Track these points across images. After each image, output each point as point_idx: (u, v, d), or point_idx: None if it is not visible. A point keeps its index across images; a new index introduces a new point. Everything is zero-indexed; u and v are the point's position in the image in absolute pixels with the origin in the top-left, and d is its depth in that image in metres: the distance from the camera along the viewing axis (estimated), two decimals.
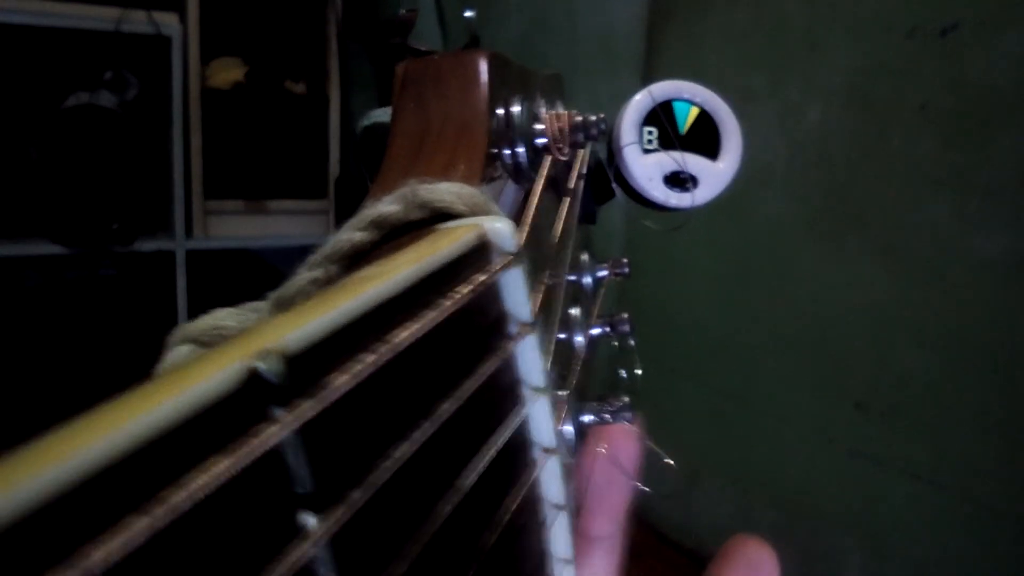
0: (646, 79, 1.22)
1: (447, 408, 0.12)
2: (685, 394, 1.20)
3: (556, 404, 0.20)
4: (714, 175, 0.31)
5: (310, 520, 0.09)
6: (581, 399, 0.23)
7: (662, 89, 0.31)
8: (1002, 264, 0.75)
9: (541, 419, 0.17)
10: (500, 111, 0.22)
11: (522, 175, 0.23)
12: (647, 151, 0.30)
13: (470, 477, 0.13)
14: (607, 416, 0.23)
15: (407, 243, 0.14)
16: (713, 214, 1.20)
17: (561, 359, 0.23)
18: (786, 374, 1.01)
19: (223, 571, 0.08)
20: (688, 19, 1.16)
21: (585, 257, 0.30)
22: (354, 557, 0.10)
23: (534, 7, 1.55)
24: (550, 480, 0.17)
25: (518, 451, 0.16)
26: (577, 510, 0.21)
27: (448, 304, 0.13)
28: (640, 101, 0.30)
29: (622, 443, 0.22)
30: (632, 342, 0.28)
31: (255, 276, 2.07)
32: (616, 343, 0.28)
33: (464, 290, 0.13)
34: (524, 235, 0.18)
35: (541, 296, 0.20)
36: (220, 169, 1.86)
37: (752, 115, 1.03)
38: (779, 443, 1.02)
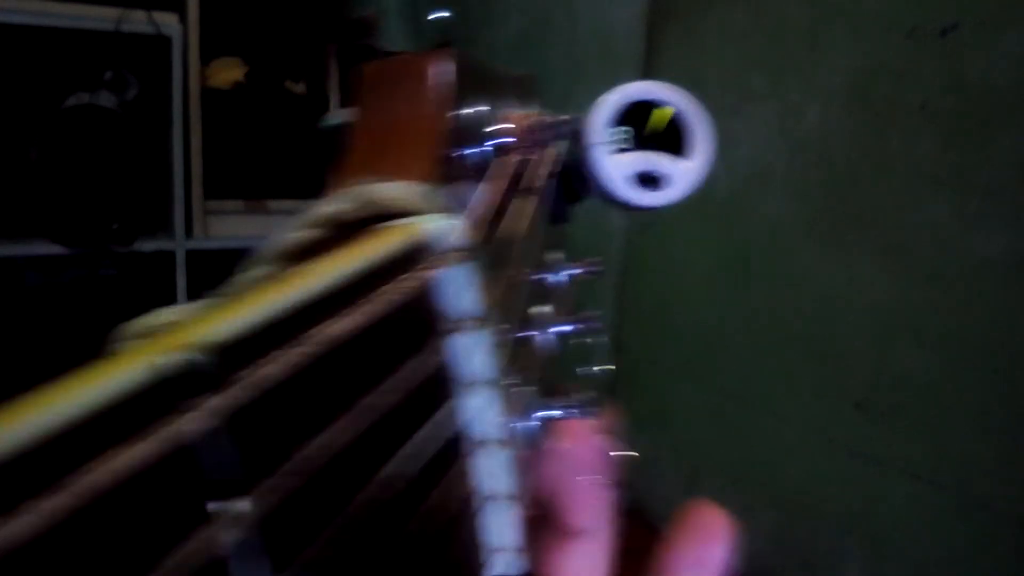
0: (646, 79, 1.22)
1: (372, 400, 0.13)
2: (685, 394, 1.20)
3: (512, 398, 0.20)
4: (683, 175, 0.31)
5: (221, 505, 0.09)
6: (550, 394, 0.24)
7: (631, 90, 0.31)
8: (1002, 264, 0.75)
9: (477, 412, 0.17)
10: (461, 112, 0.23)
11: (482, 174, 0.23)
12: (616, 151, 0.31)
13: (394, 467, 0.13)
14: (573, 411, 0.23)
15: (351, 241, 0.14)
16: (713, 214, 1.20)
17: (522, 355, 0.23)
18: (786, 374, 1.01)
19: (135, 552, 0.08)
20: (688, 19, 1.16)
21: (556, 256, 0.30)
22: (272, 541, 0.10)
23: (534, 7, 1.55)
24: (484, 471, 0.17)
25: (451, 442, 0.16)
26: (547, 505, 0.22)
27: (379, 300, 0.13)
28: (609, 101, 0.31)
29: (582, 437, 0.22)
30: (603, 339, 0.28)
31: None
32: (587, 340, 0.28)
33: (397, 287, 0.14)
34: (476, 233, 0.19)
35: (498, 293, 0.20)
36: (220, 169, 1.86)
37: (752, 115, 1.03)
38: (779, 443, 1.02)
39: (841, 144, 0.92)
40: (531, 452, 0.22)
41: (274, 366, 0.10)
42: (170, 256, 1.83)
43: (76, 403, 0.08)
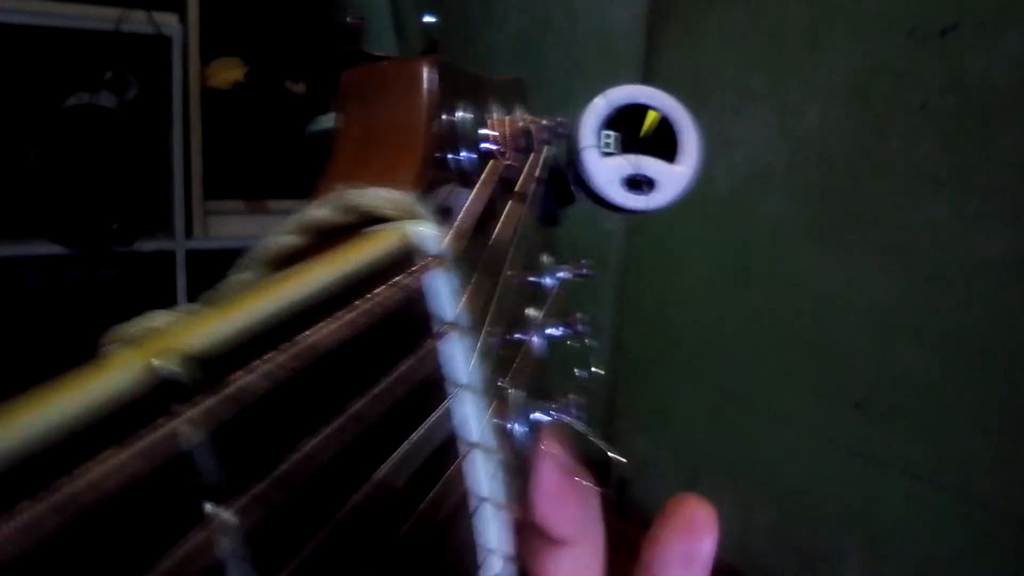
0: (646, 79, 1.22)
1: (361, 405, 0.13)
2: (685, 394, 1.20)
3: (500, 402, 0.20)
4: (672, 178, 0.31)
5: (213, 510, 0.09)
6: (538, 397, 0.24)
7: (620, 94, 0.31)
8: (1002, 264, 0.75)
9: (468, 415, 0.17)
10: (445, 117, 0.23)
11: (469, 179, 0.23)
12: (606, 154, 0.31)
13: (386, 470, 0.13)
14: (559, 414, 0.23)
15: (336, 247, 0.14)
16: (713, 214, 1.20)
17: (512, 358, 0.23)
18: (786, 374, 1.01)
19: (121, 559, 0.08)
20: (688, 19, 1.16)
21: (546, 259, 0.30)
22: (262, 546, 0.10)
23: (534, 7, 1.55)
24: (477, 474, 0.18)
25: (443, 446, 0.16)
26: (534, 508, 0.22)
27: (365, 306, 0.13)
28: (599, 105, 0.31)
29: (553, 442, 0.23)
30: (589, 342, 0.28)
31: None
32: (575, 343, 0.28)
33: (382, 292, 0.14)
34: (460, 238, 0.19)
35: (481, 296, 0.20)
36: (220, 169, 1.86)
37: (752, 115, 1.03)
38: (779, 443, 1.02)
39: (841, 144, 0.92)
40: (521, 456, 0.22)
41: (259, 373, 0.10)
42: (170, 256, 1.83)
43: (64, 409, 0.08)
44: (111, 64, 1.73)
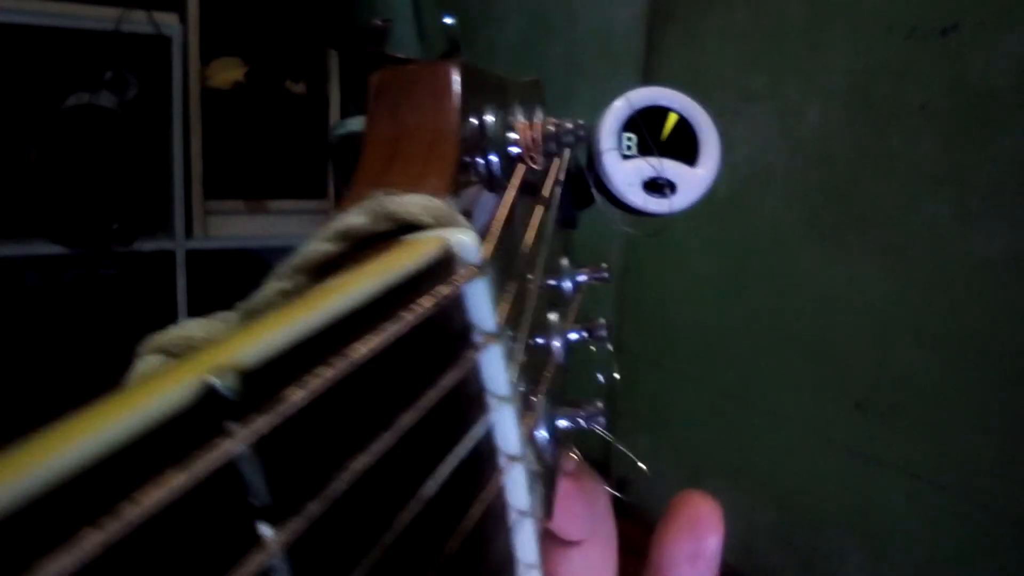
0: (646, 79, 1.22)
1: (407, 419, 0.12)
2: (685, 394, 1.20)
3: (526, 410, 0.20)
4: (692, 181, 0.31)
5: (266, 531, 0.09)
6: (558, 404, 0.23)
7: (641, 96, 0.31)
8: (1002, 264, 0.75)
9: (506, 427, 0.17)
10: (473, 120, 0.22)
11: (496, 184, 0.23)
12: (626, 157, 0.31)
13: (432, 486, 0.13)
14: (580, 421, 0.23)
15: (373, 255, 0.14)
16: (713, 214, 1.19)
17: (536, 364, 0.23)
18: (786, 374, 1.00)
19: None
20: (688, 19, 1.15)
21: (564, 262, 0.30)
22: (312, 567, 0.10)
23: (534, 7, 1.55)
24: (516, 487, 0.17)
25: (484, 459, 0.16)
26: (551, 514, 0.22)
27: (409, 316, 0.13)
28: (619, 107, 0.31)
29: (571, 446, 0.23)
30: (610, 347, 0.28)
31: (255, 276, 2.06)
32: (593, 347, 0.28)
33: (426, 302, 0.14)
34: (492, 245, 0.19)
35: (511, 303, 0.20)
36: (220, 169, 1.86)
37: (752, 115, 1.03)
38: (779, 443, 1.02)
39: (841, 144, 0.92)
40: (546, 464, 0.21)
41: (310, 389, 0.10)
42: (170, 256, 1.83)
43: (121, 427, 0.08)
44: (111, 64, 1.73)
